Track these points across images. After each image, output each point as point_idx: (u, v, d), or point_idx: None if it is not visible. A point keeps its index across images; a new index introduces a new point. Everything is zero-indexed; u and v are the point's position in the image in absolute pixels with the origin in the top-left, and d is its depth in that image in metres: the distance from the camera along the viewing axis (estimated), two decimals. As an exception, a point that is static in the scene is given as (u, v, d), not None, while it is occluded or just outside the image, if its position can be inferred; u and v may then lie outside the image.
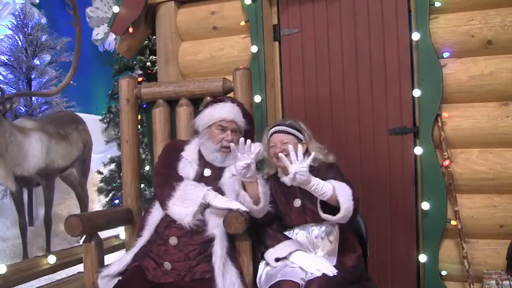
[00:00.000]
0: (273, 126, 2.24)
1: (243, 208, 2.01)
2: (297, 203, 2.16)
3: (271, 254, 2.08)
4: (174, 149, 2.29)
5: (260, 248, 2.16)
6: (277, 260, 2.06)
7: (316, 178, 1.93)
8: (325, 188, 1.91)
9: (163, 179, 2.16)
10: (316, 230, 2.12)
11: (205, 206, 2.09)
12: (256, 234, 2.18)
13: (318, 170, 2.15)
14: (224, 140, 2.18)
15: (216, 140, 2.19)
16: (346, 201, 1.91)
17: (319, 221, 2.11)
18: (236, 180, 2.13)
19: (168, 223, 2.08)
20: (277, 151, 2.14)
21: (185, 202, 2.06)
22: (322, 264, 1.96)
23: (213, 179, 2.19)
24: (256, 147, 2.03)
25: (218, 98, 2.37)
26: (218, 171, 2.21)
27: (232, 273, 1.97)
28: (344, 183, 1.98)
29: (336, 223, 2.06)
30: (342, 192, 1.92)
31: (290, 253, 2.05)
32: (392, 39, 2.81)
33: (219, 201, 2.06)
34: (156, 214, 2.14)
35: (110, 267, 2.06)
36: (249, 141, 1.98)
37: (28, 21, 5.14)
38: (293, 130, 2.20)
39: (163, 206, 2.10)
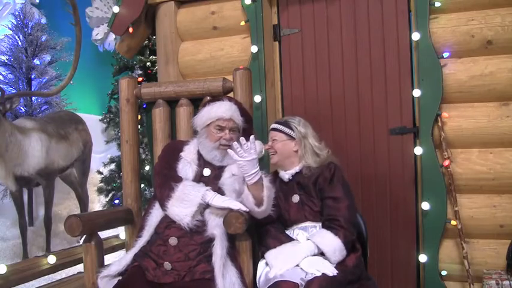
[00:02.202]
0: (273, 122, 2.32)
1: (243, 208, 2.02)
2: (295, 198, 2.18)
3: (272, 255, 2.08)
4: (174, 150, 2.29)
5: (261, 247, 2.17)
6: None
7: (309, 244, 2.02)
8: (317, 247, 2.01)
9: (163, 180, 2.17)
10: (315, 231, 2.12)
11: (204, 207, 2.09)
12: (257, 232, 2.18)
13: (318, 176, 2.16)
14: (222, 138, 2.18)
15: (214, 138, 2.19)
16: (336, 257, 2.00)
17: (316, 217, 2.13)
18: (236, 180, 2.13)
19: (167, 223, 2.08)
20: (266, 147, 2.26)
21: (184, 203, 2.06)
22: (323, 265, 1.96)
23: (212, 178, 2.19)
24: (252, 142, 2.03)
25: (216, 97, 2.37)
26: (218, 171, 2.21)
27: (232, 273, 1.98)
28: (329, 234, 2.02)
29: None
30: (331, 253, 1.99)
31: None
32: (393, 39, 2.81)
33: (218, 200, 2.06)
34: (156, 215, 2.14)
35: (109, 268, 2.06)
36: (252, 137, 1.98)
37: (28, 21, 5.13)
38: (283, 127, 2.23)
39: (163, 206, 2.11)
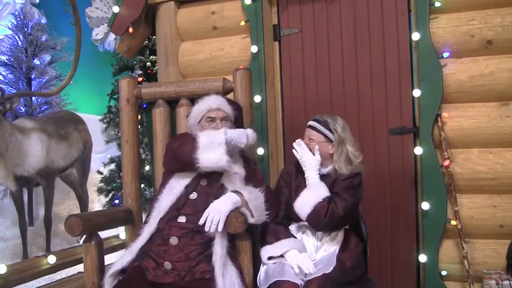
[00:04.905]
0: (312, 119, 2.24)
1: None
2: None
3: (266, 251, 2.09)
4: (185, 135, 2.32)
5: (261, 243, 2.17)
6: (270, 258, 2.08)
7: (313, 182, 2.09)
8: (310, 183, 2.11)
9: (182, 142, 2.19)
10: (320, 233, 2.13)
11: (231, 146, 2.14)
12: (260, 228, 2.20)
13: (341, 180, 2.14)
14: (215, 129, 2.19)
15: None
16: (300, 208, 2.07)
17: None
18: (238, 179, 2.16)
19: (169, 218, 2.09)
20: None
21: (212, 145, 2.08)
22: (304, 261, 1.99)
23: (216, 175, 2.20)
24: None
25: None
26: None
27: (232, 272, 1.97)
28: (325, 198, 2.05)
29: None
30: (306, 200, 2.06)
31: (286, 252, 2.06)
32: (393, 39, 2.81)
33: (242, 142, 2.17)
34: (163, 203, 2.14)
35: (117, 262, 2.06)
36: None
37: (28, 21, 5.13)
38: (324, 129, 2.17)
39: (193, 161, 2.09)
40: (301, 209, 2.07)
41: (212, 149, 2.08)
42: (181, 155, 2.15)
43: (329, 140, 2.16)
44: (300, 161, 2.18)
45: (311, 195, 2.06)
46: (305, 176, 2.14)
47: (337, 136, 2.14)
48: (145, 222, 2.17)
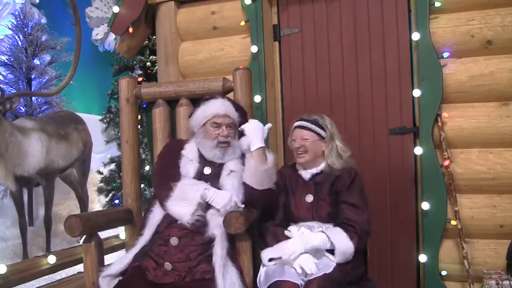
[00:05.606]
0: (298, 120, 2.25)
1: (240, 204, 2.07)
2: (309, 198, 2.18)
3: (266, 253, 2.10)
4: (174, 148, 2.29)
5: (261, 245, 2.18)
6: (270, 260, 2.08)
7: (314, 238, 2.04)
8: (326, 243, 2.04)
9: (161, 179, 2.18)
10: (327, 228, 2.13)
11: (204, 204, 2.10)
12: (258, 230, 2.20)
13: (336, 178, 2.15)
14: (220, 135, 2.19)
15: (212, 136, 2.20)
16: (342, 258, 2.01)
17: (323, 219, 2.13)
18: (235, 176, 2.15)
19: (168, 223, 2.08)
20: (296, 146, 2.21)
21: (183, 202, 2.06)
22: (305, 262, 1.98)
23: (212, 177, 2.20)
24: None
25: (208, 96, 2.36)
26: (218, 169, 2.21)
27: (232, 273, 1.97)
28: (344, 234, 2.03)
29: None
30: (341, 252, 2.01)
31: None
32: (393, 39, 2.82)
33: (218, 202, 2.07)
34: (157, 213, 2.14)
35: (111, 267, 2.06)
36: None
37: (28, 21, 5.12)
38: (315, 127, 2.19)
39: (162, 206, 2.11)
40: (343, 260, 2.03)
41: (181, 205, 2.06)
42: (156, 194, 2.19)
43: (321, 138, 2.18)
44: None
45: (343, 246, 2.02)
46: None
47: (328, 132, 2.19)
48: (140, 234, 2.15)
